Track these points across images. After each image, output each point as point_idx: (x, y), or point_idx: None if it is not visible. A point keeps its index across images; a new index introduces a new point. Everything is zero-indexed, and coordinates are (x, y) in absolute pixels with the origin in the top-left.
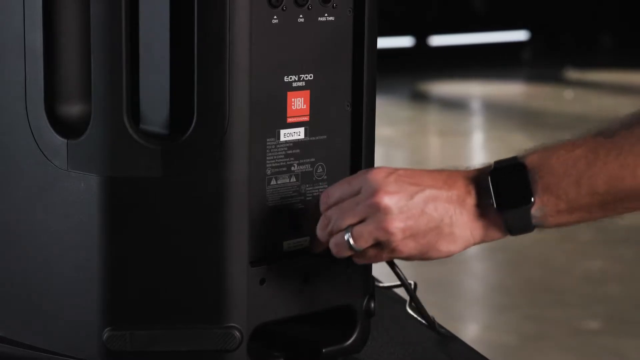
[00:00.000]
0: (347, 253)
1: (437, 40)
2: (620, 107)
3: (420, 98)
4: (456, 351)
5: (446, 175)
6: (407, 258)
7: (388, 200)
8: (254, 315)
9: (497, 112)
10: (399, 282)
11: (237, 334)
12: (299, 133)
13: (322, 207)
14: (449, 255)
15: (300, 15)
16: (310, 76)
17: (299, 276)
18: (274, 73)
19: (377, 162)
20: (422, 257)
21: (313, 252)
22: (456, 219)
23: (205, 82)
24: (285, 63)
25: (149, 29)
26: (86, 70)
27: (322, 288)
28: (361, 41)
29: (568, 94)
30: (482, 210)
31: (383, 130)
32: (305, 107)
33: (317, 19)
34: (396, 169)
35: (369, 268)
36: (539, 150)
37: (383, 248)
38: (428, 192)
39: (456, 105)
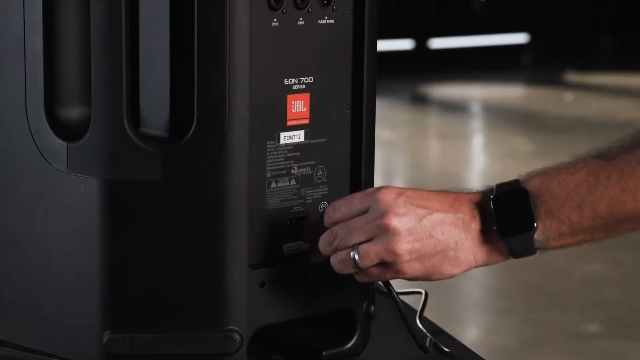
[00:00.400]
0: (351, 270)
1: (437, 43)
2: (621, 109)
3: (420, 101)
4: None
5: (452, 199)
6: (411, 279)
7: (397, 222)
8: (254, 318)
9: (497, 114)
10: (412, 290)
11: (237, 337)
12: (299, 136)
13: (326, 221)
14: (451, 277)
15: (300, 18)
16: (310, 79)
17: (299, 279)
18: (274, 76)
19: (377, 165)
20: (425, 278)
21: (311, 262)
22: (461, 243)
23: (205, 85)
24: (285, 66)
25: (149, 32)
26: (86, 73)
27: (322, 291)
28: (361, 44)
29: (568, 96)
30: (486, 235)
31: (383, 133)
32: (305, 110)
33: (317, 21)
34: (404, 190)
35: None
36: (540, 173)
37: (388, 268)
38: (435, 216)
39: (456, 108)
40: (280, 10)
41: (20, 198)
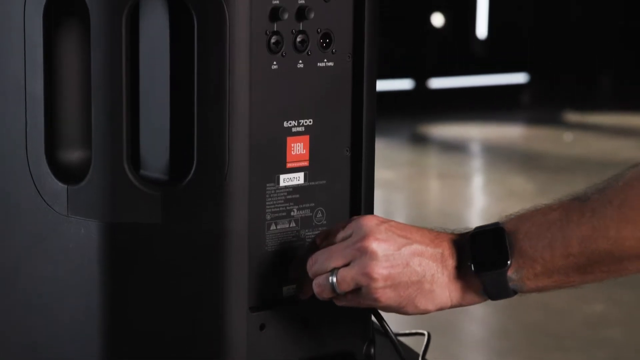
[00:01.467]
0: (329, 295)
1: (437, 83)
2: (620, 149)
3: (420, 140)
4: None
5: (434, 235)
6: (384, 308)
7: (376, 245)
8: None
9: (497, 154)
10: (415, 331)
11: None
12: (298, 178)
13: (311, 249)
14: (424, 313)
15: (300, 61)
16: (310, 121)
17: (298, 321)
18: (274, 118)
19: (377, 205)
20: (398, 309)
21: (298, 298)
22: (437, 277)
23: (205, 127)
24: (284, 108)
25: (149, 75)
26: (86, 117)
27: (322, 333)
28: (360, 86)
29: (567, 136)
30: (462, 272)
31: (383, 173)
32: (304, 152)
33: (316, 64)
34: (388, 220)
35: (368, 314)
36: (518, 215)
37: (362, 294)
38: (415, 247)
39: (456, 148)
40: (280, 53)
41: (21, 240)
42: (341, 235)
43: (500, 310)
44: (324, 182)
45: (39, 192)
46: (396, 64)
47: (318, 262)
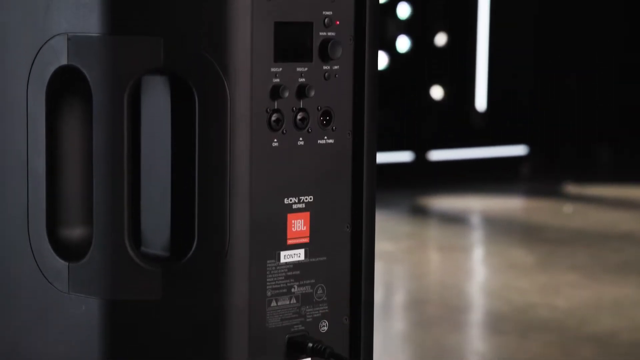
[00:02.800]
0: None
1: (436, 155)
2: (621, 221)
3: (420, 212)
4: None
5: None
6: None
7: None
8: None
9: (497, 226)
10: None
11: None
12: (299, 255)
13: None
14: None
15: (300, 139)
16: (310, 198)
17: None
18: (274, 195)
19: (377, 277)
20: None
21: None
22: None
23: (206, 204)
24: (285, 185)
25: (151, 152)
26: (88, 194)
27: None
28: (360, 163)
29: (567, 208)
30: None
31: (383, 246)
32: (305, 228)
33: (316, 141)
34: None
35: None
36: None
37: None
38: None
39: (456, 220)
40: (281, 130)
41: (21, 317)
42: None
43: None
44: (325, 258)
45: (40, 268)
46: (396, 137)
47: None
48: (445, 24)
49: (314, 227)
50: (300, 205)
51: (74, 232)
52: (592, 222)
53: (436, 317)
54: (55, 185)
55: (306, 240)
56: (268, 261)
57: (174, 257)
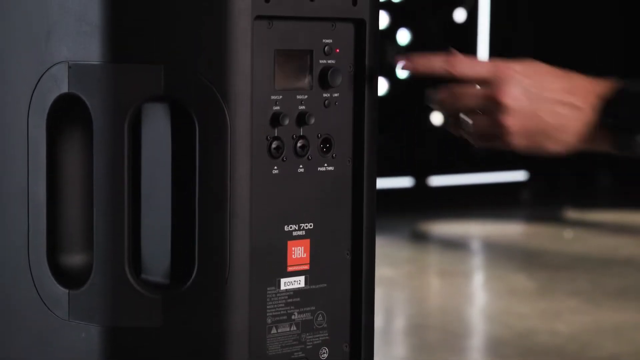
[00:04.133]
0: (461, 131)
1: (437, 181)
2: (621, 246)
3: (420, 238)
4: None
5: (572, 85)
6: (515, 149)
7: (510, 100)
8: None
9: (497, 252)
10: None
11: None
12: (299, 282)
13: (443, 66)
14: (554, 154)
15: (300, 166)
16: (311, 225)
17: None
18: (275, 222)
19: (378, 302)
20: (528, 152)
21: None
22: (569, 127)
23: (207, 232)
24: (285, 212)
25: (151, 179)
26: (88, 221)
27: None
28: (360, 189)
29: (568, 233)
30: (597, 126)
31: (383, 271)
32: (305, 255)
33: (316, 169)
34: (526, 69)
35: None
36: None
37: (495, 137)
38: (549, 99)
39: (456, 245)
40: (281, 158)
41: (21, 344)
42: (483, 71)
43: None
44: (325, 285)
45: (40, 295)
46: (396, 162)
47: (460, 74)
48: (445, 49)
49: (314, 254)
50: (300, 233)
51: (74, 259)
52: (592, 247)
53: (437, 343)
54: (55, 213)
55: (306, 267)
56: (268, 288)
57: (174, 284)
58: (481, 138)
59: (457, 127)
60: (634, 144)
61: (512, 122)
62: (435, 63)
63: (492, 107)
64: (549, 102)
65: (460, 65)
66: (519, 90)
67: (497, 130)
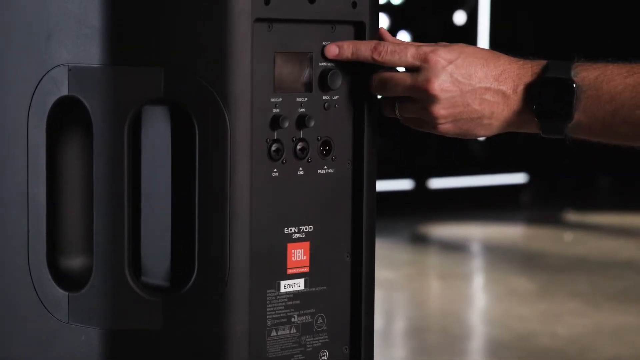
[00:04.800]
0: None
1: (437, 183)
2: (621, 249)
3: (420, 240)
4: None
5: (499, 72)
6: (443, 134)
7: (439, 90)
8: None
9: (497, 254)
10: None
11: None
12: (299, 284)
13: (370, 55)
14: (482, 137)
15: (300, 168)
16: (310, 228)
17: None
18: (274, 225)
19: (378, 305)
20: (457, 137)
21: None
22: (497, 113)
23: (206, 234)
24: (285, 215)
25: (151, 182)
26: (88, 224)
27: None
28: (360, 192)
29: (568, 236)
30: (523, 111)
31: (383, 274)
32: (305, 258)
33: (316, 171)
34: (455, 58)
35: None
36: (595, 69)
37: (423, 123)
38: (477, 87)
39: (456, 248)
40: (281, 160)
41: (21, 347)
42: (410, 58)
43: None
44: (325, 287)
45: (39, 298)
46: (396, 165)
47: (386, 61)
48: None
49: (314, 256)
50: (300, 235)
51: (74, 262)
52: (592, 249)
53: (436, 345)
54: (55, 215)
55: (306, 269)
56: (268, 291)
57: (174, 287)
58: (411, 122)
59: (389, 109)
60: (560, 129)
61: (441, 111)
62: (361, 49)
63: (421, 95)
64: (478, 91)
65: (385, 52)
66: (447, 80)
67: (427, 117)
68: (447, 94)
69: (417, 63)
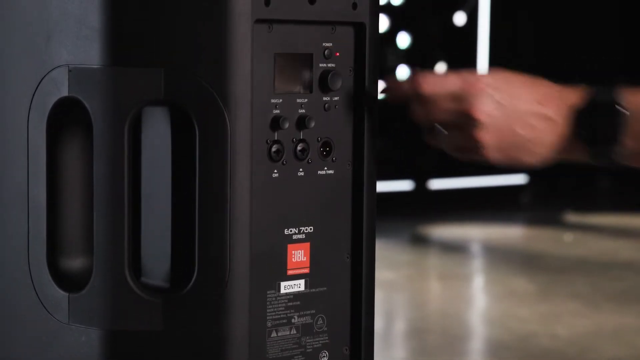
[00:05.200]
0: (436, 140)
1: (437, 184)
2: (621, 250)
3: (420, 241)
4: None
5: (542, 94)
6: (491, 163)
7: (485, 116)
8: None
9: (497, 255)
10: None
11: None
12: (299, 285)
13: (411, 86)
14: (529, 165)
15: (300, 169)
16: (310, 229)
17: None
18: (275, 226)
19: (378, 306)
20: (504, 164)
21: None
22: (542, 139)
23: (206, 235)
24: (285, 216)
25: (151, 183)
26: (88, 225)
27: None
28: (360, 193)
29: (568, 237)
30: (569, 135)
31: (383, 274)
32: (305, 259)
33: (316, 172)
34: (497, 81)
35: None
36: None
37: (471, 152)
38: (522, 110)
39: (456, 249)
40: (281, 161)
41: (21, 348)
42: (451, 90)
43: None
44: (325, 288)
45: (39, 299)
46: (396, 166)
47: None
48: (445, 53)
49: (314, 257)
50: (300, 236)
51: (74, 263)
52: (592, 250)
53: (437, 346)
54: (55, 216)
55: (306, 270)
56: (268, 292)
57: (175, 288)
58: (456, 151)
59: (433, 139)
60: (608, 155)
61: (487, 137)
62: (403, 86)
63: (465, 122)
64: (522, 114)
65: (427, 83)
66: (491, 105)
67: (472, 145)
68: (492, 119)
69: (460, 91)
